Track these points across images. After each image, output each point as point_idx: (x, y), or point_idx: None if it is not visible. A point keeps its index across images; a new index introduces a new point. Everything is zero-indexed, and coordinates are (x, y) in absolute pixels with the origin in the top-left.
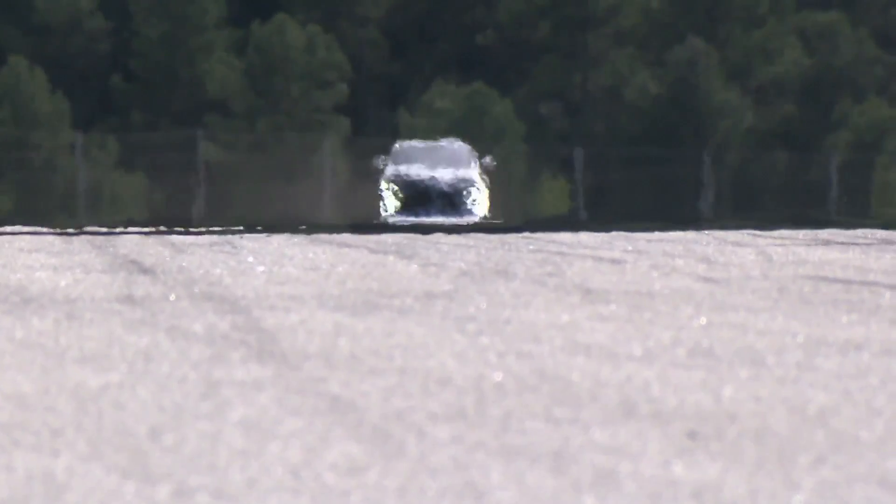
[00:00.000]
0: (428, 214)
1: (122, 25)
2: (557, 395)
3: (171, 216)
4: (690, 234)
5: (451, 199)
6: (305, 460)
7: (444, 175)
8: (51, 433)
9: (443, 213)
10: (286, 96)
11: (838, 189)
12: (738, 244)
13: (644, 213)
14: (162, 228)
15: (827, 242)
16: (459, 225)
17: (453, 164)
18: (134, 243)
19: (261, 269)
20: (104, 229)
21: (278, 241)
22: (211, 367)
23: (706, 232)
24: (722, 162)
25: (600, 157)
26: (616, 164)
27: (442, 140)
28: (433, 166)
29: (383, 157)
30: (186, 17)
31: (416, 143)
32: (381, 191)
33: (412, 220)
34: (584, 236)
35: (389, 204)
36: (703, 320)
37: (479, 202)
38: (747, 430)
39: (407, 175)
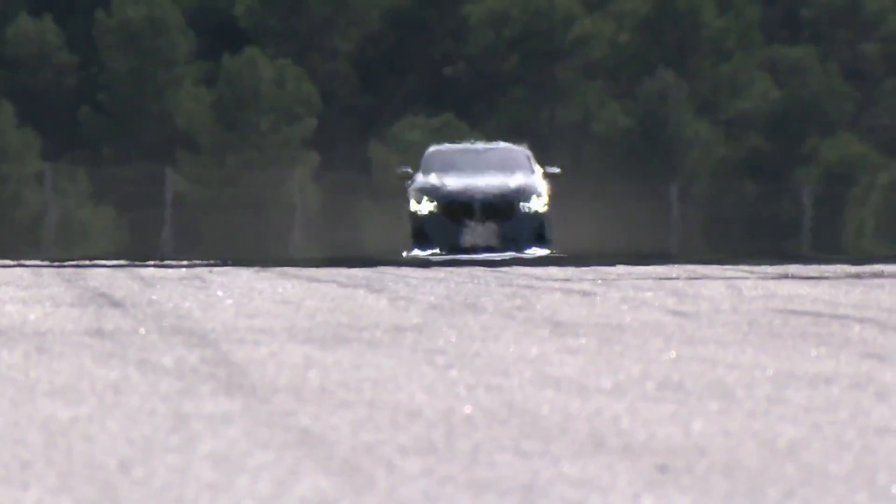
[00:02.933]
0: (469, 243)
1: (90, 59)
2: (527, 428)
3: (140, 250)
4: (660, 267)
5: (502, 215)
6: (275, 494)
7: (493, 183)
8: (20, 466)
9: (491, 241)
10: (256, 130)
11: (810, 223)
12: (707, 277)
13: (613, 246)
14: (131, 262)
15: (797, 276)
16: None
17: (506, 169)
18: (104, 277)
19: (230, 302)
20: (74, 262)
21: (248, 274)
22: (180, 400)
23: (676, 265)
24: (691, 195)
25: (567, 190)
26: (584, 197)
27: (488, 143)
28: (478, 173)
29: (407, 168)
30: (155, 51)
31: (454, 146)
32: (412, 209)
33: (450, 257)
34: (554, 269)
35: (423, 225)
36: (673, 354)
37: (546, 222)
38: (717, 464)
39: (443, 186)
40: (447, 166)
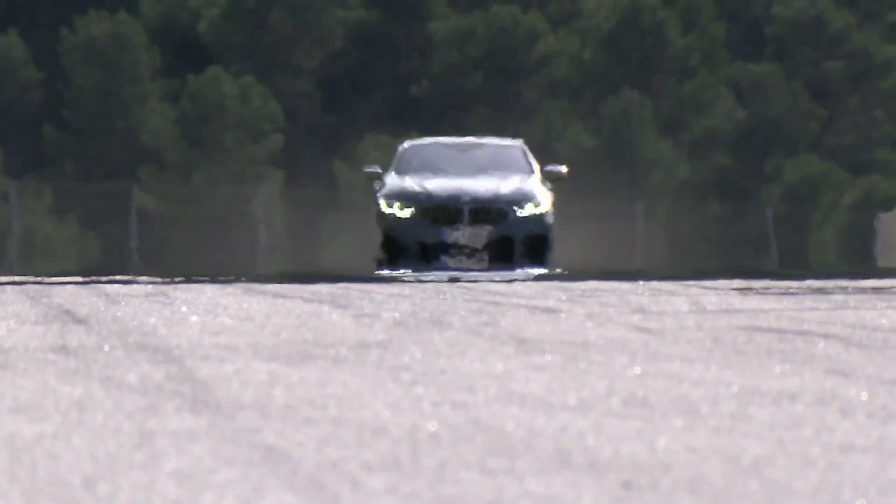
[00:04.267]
0: (453, 261)
1: (55, 75)
2: (492, 444)
3: (105, 266)
4: (625, 285)
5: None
6: None
7: (484, 187)
8: None
9: (478, 260)
10: (220, 147)
11: (774, 241)
12: (672, 294)
13: (579, 264)
14: (96, 278)
15: (761, 292)
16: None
17: (499, 170)
18: (68, 293)
19: (195, 318)
20: (38, 279)
21: (213, 291)
22: (145, 417)
23: (641, 282)
24: (656, 213)
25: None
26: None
27: (476, 138)
28: (465, 174)
29: (376, 167)
30: (120, 67)
31: (434, 141)
32: (384, 212)
33: (428, 273)
34: (519, 286)
35: (393, 238)
36: (638, 370)
37: (546, 234)
38: (682, 480)
39: (421, 191)
40: (425, 166)
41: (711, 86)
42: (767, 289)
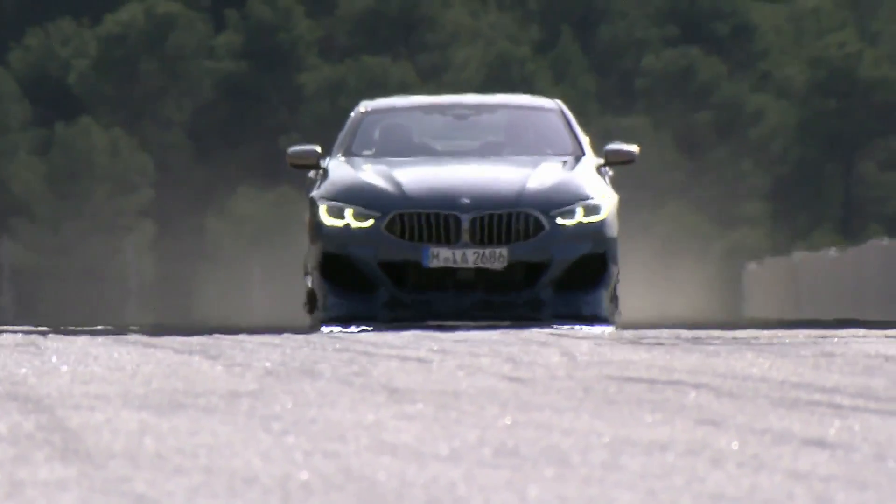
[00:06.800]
0: (453, 309)
1: None
2: (363, 494)
3: None
4: (496, 334)
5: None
6: None
7: (496, 179)
8: None
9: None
10: (90, 199)
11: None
12: (542, 344)
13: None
14: None
15: (632, 342)
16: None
17: (523, 149)
18: None
19: (65, 368)
20: None
21: (83, 341)
22: (15, 467)
23: (511, 331)
24: None
25: None
26: None
27: (482, 96)
28: (465, 157)
29: (314, 147)
30: None
31: (414, 102)
32: (323, 222)
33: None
34: (390, 336)
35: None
36: (509, 420)
37: (608, 259)
38: None
39: (391, 184)
40: (396, 145)
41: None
42: (639, 339)
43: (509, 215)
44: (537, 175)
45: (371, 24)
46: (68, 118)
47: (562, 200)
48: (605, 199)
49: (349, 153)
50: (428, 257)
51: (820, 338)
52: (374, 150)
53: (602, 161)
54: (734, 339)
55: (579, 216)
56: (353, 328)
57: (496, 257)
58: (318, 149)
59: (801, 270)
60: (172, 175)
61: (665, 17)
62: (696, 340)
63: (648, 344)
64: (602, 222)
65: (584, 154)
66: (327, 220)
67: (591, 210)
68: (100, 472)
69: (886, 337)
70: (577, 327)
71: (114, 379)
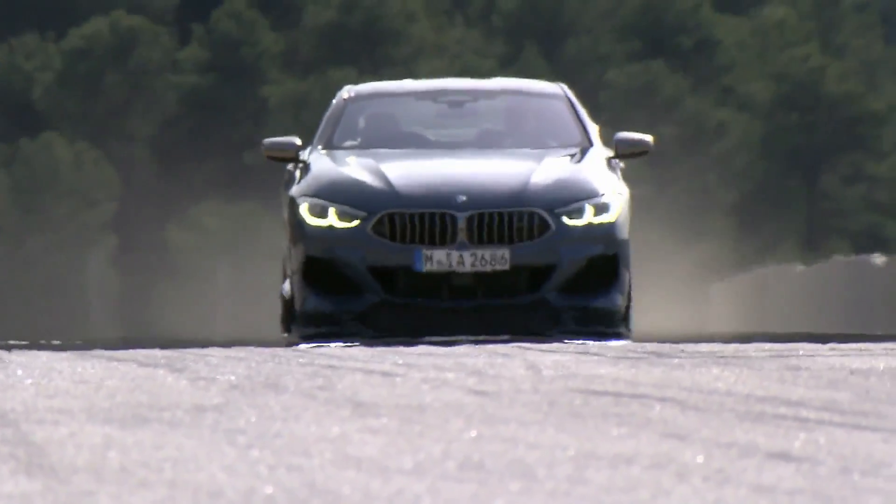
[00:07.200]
0: (448, 318)
1: None
2: None
3: None
4: (461, 348)
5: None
6: None
7: (496, 173)
8: None
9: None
10: (54, 213)
11: None
12: (508, 357)
13: None
14: None
15: (597, 355)
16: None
17: (526, 140)
18: None
19: (29, 382)
20: None
21: (47, 355)
22: None
23: (476, 345)
24: None
25: None
26: None
27: (479, 81)
28: (461, 149)
29: (293, 139)
30: None
31: (403, 87)
32: (304, 221)
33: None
34: (356, 350)
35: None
36: (474, 433)
37: (620, 263)
38: None
39: (379, 180)
40: (383, 136)
41: None
42: (604, 352)
43: (511, 214)
44: (542, 169)
45: (335, 38)
46: (32, 132)
47: (569, 197)
48: (615, 195)
49: (331, 145)
50: (420, 260)
51: (785, 352)
52: (359, 140)
53: (612, 153)
54: (699, 352)
55: (588, 215)
56: (333, 345)
57: (497, 260)
58: (298, 140)
59: (766, 286)
60: (136, 189)
61: (629, 32)
62: (661, 354)
63: (614, 357)
64: (613, 222)
65: (592, 145)
66: (309, 219)
67: (601, 208)
68: (64, 486)
69: (851, 350)
70: (590, 342)
71: (78, 393)
